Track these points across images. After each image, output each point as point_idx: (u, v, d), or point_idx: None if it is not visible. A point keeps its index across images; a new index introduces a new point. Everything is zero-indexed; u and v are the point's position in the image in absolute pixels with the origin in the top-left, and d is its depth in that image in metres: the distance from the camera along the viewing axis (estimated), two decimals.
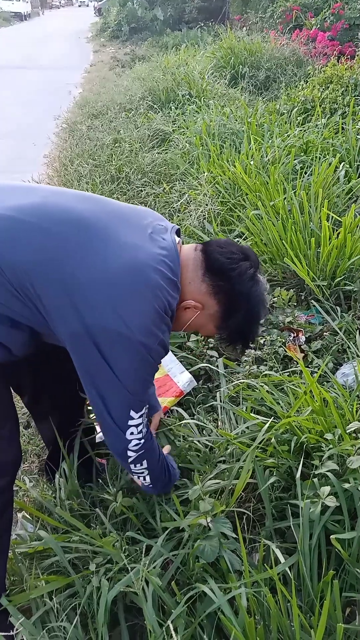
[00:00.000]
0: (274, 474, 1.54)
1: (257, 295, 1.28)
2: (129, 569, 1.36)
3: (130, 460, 1.31)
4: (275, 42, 7.48)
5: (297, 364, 2.03)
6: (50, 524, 1.55)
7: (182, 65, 7.04)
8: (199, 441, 1.75)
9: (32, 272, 1.11)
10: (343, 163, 3.37)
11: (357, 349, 1.85)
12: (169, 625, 1.17)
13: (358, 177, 3.31)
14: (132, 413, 1.22)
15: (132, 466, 1.34)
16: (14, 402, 1.39)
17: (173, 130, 4.83)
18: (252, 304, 1.28)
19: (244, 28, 9.85)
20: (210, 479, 1.56)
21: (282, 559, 1.27)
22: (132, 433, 1.25)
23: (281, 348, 2.18)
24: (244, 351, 1.43)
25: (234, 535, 1.35)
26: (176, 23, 14.79)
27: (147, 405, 1.28)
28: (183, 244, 1.36)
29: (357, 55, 6.15)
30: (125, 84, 7.45)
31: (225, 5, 13.78)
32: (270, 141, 3.80)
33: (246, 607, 1.19)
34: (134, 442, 1.27)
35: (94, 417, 1.69)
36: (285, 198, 2.82)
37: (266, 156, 3.52)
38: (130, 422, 1.23)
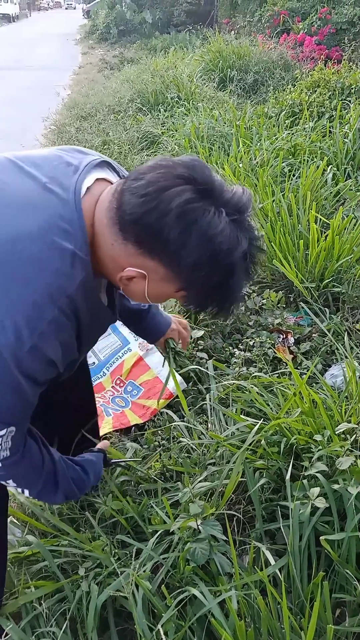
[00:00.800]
0: (264, 475, 1.54)
1: (205, 233, 0.83)
2: (119, 573, 1.35)
3: None
4: (263, 46, 7.53)
5: (287, 365, 2.04)
6: (39, 529, 1.53)
7: (170, 68, 7.05)
8: (188, 443, 1.75)
9: None
10: (330, 166, 3.40)
11: (346, 350, 1.85)
12: (159, 629, 1.16)
13: (345, 180, 3.34)
14: None
15: None
16: None
17: (162, 132, 4.83)
18: (200, 249, 0.84)
19: (232, 32, 9.90)
20: (200, 481, 1.55)
21: (272, 561, 1.27)
22: None
23: (270, 350, 2.18)
24: (219, 314, 0.98)
25: (224, 538, 1.35)
26: (165, 26, 14.84)
27: (13, 430, 0.95)
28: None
29: (344, 60, 6.20)
30: (114, 86, 7.45)
31: (213, 8, 13.85)
32: (258, 144, 3.82)
33: (236, 609, 1.19)
34: None
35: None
36: (273, 201, 2.83)
37: (255, 159, 3.53)
38: None
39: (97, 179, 0.94)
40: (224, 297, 0.95)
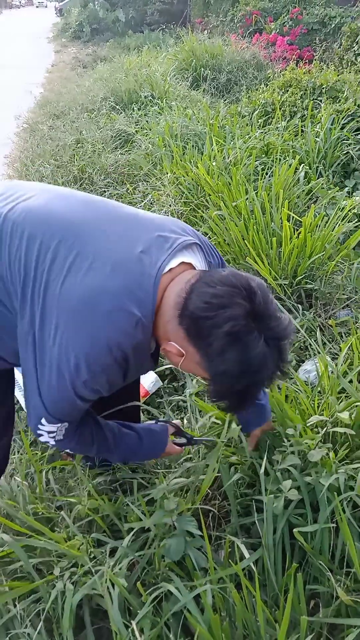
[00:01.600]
0: (238, 470, 1.55)
1: (241, 354, 0.97)
2: (94, 571, 1.35)
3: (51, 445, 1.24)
4: (235, 45, 7.57)
5: None
6: (13, 529, 1.52)
7: (144, 66, 7.04)
8: None
9: (9, 266, 1.08)
10: (303, 165, 3.43)
11: (318, 346, 1.88)
12: (134, 626, 1.16)
13: (317, 178, 3.38)
14: (43, 421, 1.13)
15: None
16: (13, 406, 1.38)
17: (136, 131, 4.82)
18: (233, 363, 0.98)
19: (205, 31, 9.93)
20: (176, 478, 1.56)
21: (247, 555, 1.28)
22: (41, 435, 1.17)
23: None
24: (230, 410, 1.21)
25: (199, 533, 1.36)
26: (138, 25, 14.78)
27: (66, 424, 1.17)
28: (210, 266, 1.21)
29: (315, 60, 6.28)
30: (87, 84, 7.39)
31: (186, 8, 13.87)
32: (232, 143, 3.84)
33: (211, 604, 1.20)
34: (43, 438, 1.19)
35: None
36: (247, 199, 2.85)
37: (228, 158, 3.55)
38: (41, 427, 1.15)
39: (182, 262, 1.11)
40: (239, 401, 1.10)
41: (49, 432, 1.17)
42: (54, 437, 1.18)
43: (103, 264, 1.04)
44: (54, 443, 1.21)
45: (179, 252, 1.11)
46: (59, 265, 1.05)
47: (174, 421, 1.59)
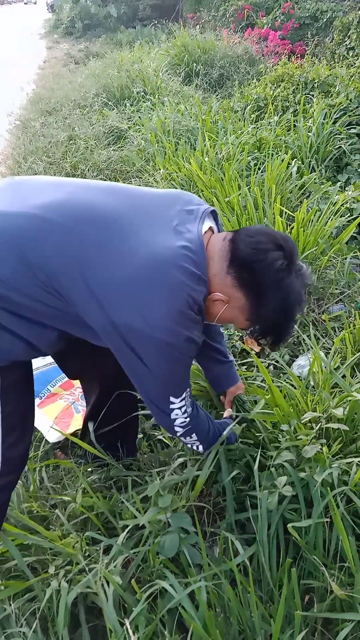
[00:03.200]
0: (234, 466, 1.55)
1: (287, 289, 1.17)
2: (89, 570, 1.35)
3: (179, 434, 1.35)
4: (228, 40, 7.53)
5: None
6: (8, 529, 1.51)
7: (136, 62, 6.99)
8: (159, 438, 1.75)
9: (58, 271, 1.11)
10: (295, 159, 3.43)
11: (312, 341, 1.88)
12: (129, 624, 1.16)
13: (310, 173, 3.38)
14: (172, 399, 1.24)
15: (182, 438, 1.41)
16: (33, 398, 1.40)
17: (128, 127, 4.80)
18: (281, 298, 1.18)
19: (197, 26, 9.87)
20: (170, 474, 1.56)
21: (241, 551, 1.28)
22: (176, 415, 1.28)
23: (238, 342, 2.20)
24: (274, 348, 1.33)
25: (194, 530, 1.36)
26: (130, 20, 14.70)
27: (188, 389, 1.29)
28: (219, 230, 1.32)
29: (307, 54, 6.26)
30: (79, 80, 7.34)
31: (178, 3, 13.80)
32: (224, 138, 3.83)
33: (206, 600, 1.20)
34: (179, 420, 1.30)
35: None
36: (239, 194, 2.84)
37: (221, 153, 3.54)
38: (172, 406, 1.26)
39: (209, 227, 1.26)
40: (280, 335, 1.29)
41: (180, 408, 1.27)
42: (186, 412, 1.30)
43: (150, 243, 1.13)
44: (188, 420, 1.32)
45: (205, 219, 1.24)
46: (108, 254, 1.12)
47: (226, 413, 1.68)
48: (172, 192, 1.32)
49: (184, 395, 1.27)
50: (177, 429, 1.32)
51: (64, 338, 1.26)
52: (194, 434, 1.39)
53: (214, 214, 1.33)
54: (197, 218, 1.23)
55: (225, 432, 1.51)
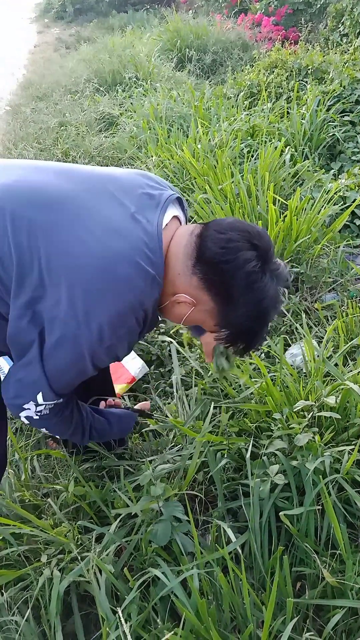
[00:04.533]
0: (225, 455, 1.55)
1: (260, 292, 1.07)
2: (81, 558, 1.35)
3: (24, 422, 1.20)
4: (221, 25, 7.44)
5: None
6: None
7: (128, 47, 6.89)
8: (151, 428, 1.75)
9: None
10: (288, 147, 3.40)
11: (304, 329, 1.88)
12: (121, 612, 1.16)
13: (303, 161, 3.35)
14: (39, 397, 1.11)
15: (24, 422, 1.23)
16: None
17: (120, 113, 4.74)
18: (253, 303, 1.07)
19: (190, 11, 9.75)
20: (162, 464, 1.55)
21: (233, 539, 1.29)
22: (29, 409, 1.14)
23: None
24: (244, 354, 1.22)
25: (186, 518, 1.36)
26: (122, 5, 14.47)
27: (61, 399, 1.18)
28: (186, 220, 1.22)
29: (301, 40, 6.20)
30: (70, 65, 7.23)
31: None
32: (217, 125, 3.79)
33: (198, 588, 1.20)
34: (26, 412, 1.15)
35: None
36: (232, 182, 2.82)
37: (213, 140, 3.50)
38: (33, 402, 1.13)
39: (173, 216, 1.15)
40: (252, 341, 1.18)
41: (37, 406, 1.14)
42: (40, 412, 1.16)
43: (104, 230, 1.04)
44: (36, 418, 1.17)
45: (168, 207, 1.14)
46: (56, 240, 1.02)
47: (140, 404, 1.60)
48: (133, 173, 1.20)
49: (54, 401, 1.15)
50: (22, 417, 1.17)
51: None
52: (43, 428, 1.26)
53: (179, 201, 1.22)
54: (158, 205, 1.12)
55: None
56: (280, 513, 1.30)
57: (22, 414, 1.16)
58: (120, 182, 1.16)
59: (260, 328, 1.15)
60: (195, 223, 1.17)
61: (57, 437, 1.39)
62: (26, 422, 1.19)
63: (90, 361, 1.08)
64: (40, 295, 1.03)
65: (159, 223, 1.09)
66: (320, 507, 1.36)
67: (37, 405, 1.13)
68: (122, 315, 1.05)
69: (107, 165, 3.94)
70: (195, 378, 1.91)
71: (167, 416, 1.80)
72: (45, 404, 1.14)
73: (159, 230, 1.08)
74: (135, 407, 1.60)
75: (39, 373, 1.07)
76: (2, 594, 1.35)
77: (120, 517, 1.43)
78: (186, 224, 1.24)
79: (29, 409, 1.14)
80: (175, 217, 1.17)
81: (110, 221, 1.06)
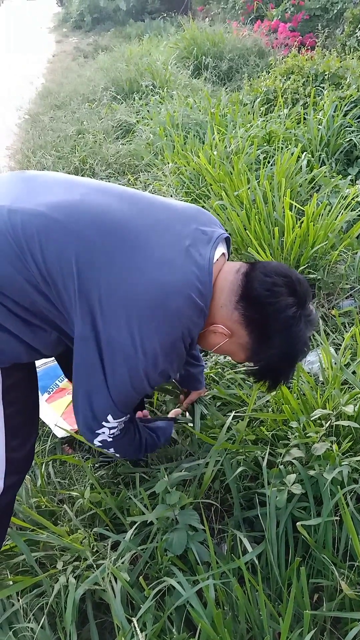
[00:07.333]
0: (241, 463, 1.54)
1: (295, 336, 1.14)
2: (97, 565, 1.34)
3: (96, 446, 1.31)
4: (237, 33, 7.46)
5: None
6: (16, 524, 1.51)
7: (145, 55, 6.95)
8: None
9: (58, 272, 1.08)
10: (305, 153, 3.39)
11: (321, 337, 1.86)
12: (137, 620, 1.15)
13: (320, 167, 3.34)
14: (110, 417, 1.20)
15: (98, 448, 1.36)
16: (37, 400, 1.37)
17: (137, 121, 4.77)
18: (287, 345, 1.15)
19: (207, 19, 9.80)
20: (178, 471, 1.55)
21: (249, 548, 1.27)
22: (103, 432, 1.25)
23: None
24: (270, 389, 1.29)
25: (202, 527, 1.35)
26: (139, 13, 14.62)
27: (128, 415, 1.28)
28: (229, 258, 1.29)
29: (317, 46, 6.18)
30: (88, 74, 7.31)
31: None
32: (233, 131, 3.79)
33: (214, 598, 1.19)
34: (101, 437, 1.27)
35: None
36: (249, 188, 2.81)
37: (230, 146, 3.51)
38: (105, 424, 1.22)
39: (222, 254, 1.22)
40: (280, 379, 1.25)
41: (111, 429, 1.24)
42: (113, 434, 1.27)
43: (160, 262, 1.09)
44: (110, 440, 1.28)
45: (218, 244, 1.20)
46: (115, 267, 1.08)
47: (173, 411, 1.65)
48: (190, 209, 1.27)
49: (122, 419, 1.24)
50: (96, 442, 1.28)
51: (63, 341, 1.23)
52: (111, 449, 1.35)
53: (227, 241, 1.29)
54: (210, 241, 1.18)
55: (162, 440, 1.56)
56: (297, 523, 1.28)
57: (97, 439, 1.26)
58: (179, 215, 1.22)
59: (288, 368, 1.23)
60: (241, 262, 1.25)
61: (124, 458, 1.50)
62: (100, 446, 1.30)
63: (147, 383, 1.15)
64: (99, 318, 1.09)
65: (210, 258, 1.15)
66: (338, 518, 1.34)
67: (110, 427, 1.23)
68: (174, 344, 1.12)
69: (124, 172, 3.96)
70: (212, 384, 1.91)
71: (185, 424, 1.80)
72: (117, 424, 1.24)
73: (210, 265, 1.15)
74: (169, 415, 1.65)
75: (106, 396, 1.16)
76: (18, 600, 1.35)
77: (136, 524, 1.43)
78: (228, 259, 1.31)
79: (103, 432, 1.24)
80: (223, 254, 1.24)
81: (167, 252, 1.11)
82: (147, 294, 1.07)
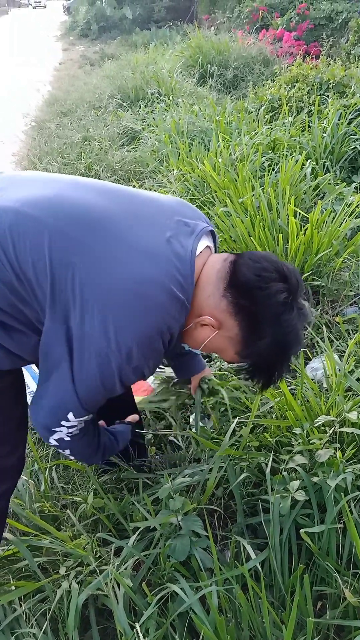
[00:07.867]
0: (245, 470, 1.54)
1: (285, 325, 1.07)
2: (100, 571, 1.34)
3: (51, 445, 1.21)
4: (242, 41, 7.52)
5: None
6: (19, 529, 1.51)
7: (151, 63, 7.01)
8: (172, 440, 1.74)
9: (30, 268, 1.02)
10: (309, 160, 3.40)
11: (325, 343, 1.86)
12: (139, 627, 1.15)
13: (324, 174, 3.35)
14: (71, 415, 1.12)
15: (53, 447, 1.26)
16: (26, 407, 1.31)
17: (142, 128, 4.81)
18: (277, 334, 1.07)
19: (212, 27, 9.88)
20: (181, 477, 1.55)
21: (253, 555, 1.27)
22: (60, 431, 1.16)
23: None
24: (263, 388, 1.21)
25: (205, 533, 1.34)
26: (145, 22, 14.76)
27: (92, 415, 1.19)
28: (217, 251, 1.24)
29: (322, 55, 6.22)
30: (94, 82, 7.39)
31: (193, 4, 13.82)
32: (238, 139, 3.82)
33: (217, 605, 1.18)
34: (58, 435, 1.17)
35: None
36: (253, 195, 2.82)
37: (234, 154, 3.52)
38: (64, 423, 1.13)
39: (206, 246, 1.17)
40: (273, 376, 1.17)
41: (70, 428, 1.15)
42: (72, 433, 1.17)
43: (139, 253, 1.05)
44: (67, 440, 1.18)
45: (202, 238, 1.15)
46: (92, 258, 1.03)
47: (130, 417, 1.59)
48: (174, 201, 1.23)
49: (84, 418, 1.16)
50: (52, 441, 1.19)
51: None
52: (67, 450, 1.25)
53: (212, 235, 1.24)
54: (193, 233, 1.13)
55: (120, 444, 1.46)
56: (301, 530, 1.28)
57: (54, 437, 1.17)
58: (161, 207, 1.17)
59: (281, 363, 1.14)
60: (228, 253, 1.19)
61: (80, 461, 1.41)
62: (55, 444, 1.20)
63: (119, 379, 1.08)
64: (72, 312, 1.03)
65: (193, 250, 1.10)
66: (342, 525, 1.33)
67: (68, 426, 1.14)
68: (150, 338, 1.06)
69: (129, 179, 3.99)
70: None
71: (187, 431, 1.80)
72: (77, 423, 1.15)
73: (193, 256, 1.10)
74: (126, 420, 1.59)
75: (71, 391, 1.08)
76: (21, 606, 1.35)
77: (139, 530, 1.42)
78: None
79: (61, 430, 1.15)
80: (208, 247, 1.18)
81: (147, 244, 1.07)
82: (124, 288, 1.02)
